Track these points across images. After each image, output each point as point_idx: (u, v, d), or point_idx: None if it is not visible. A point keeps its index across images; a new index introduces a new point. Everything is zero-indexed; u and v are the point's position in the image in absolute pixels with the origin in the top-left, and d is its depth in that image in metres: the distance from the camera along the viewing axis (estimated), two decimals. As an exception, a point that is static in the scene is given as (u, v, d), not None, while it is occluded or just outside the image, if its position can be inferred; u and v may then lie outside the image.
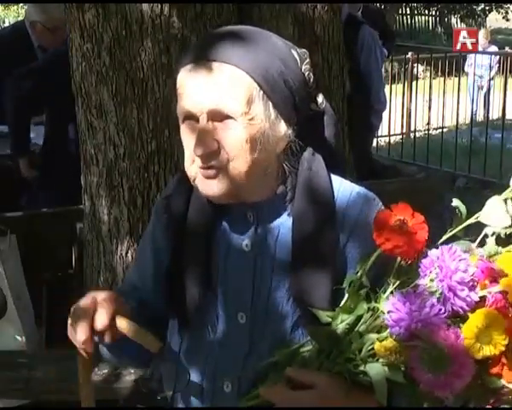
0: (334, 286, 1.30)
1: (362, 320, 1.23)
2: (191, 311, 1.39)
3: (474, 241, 1.25)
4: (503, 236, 1.23)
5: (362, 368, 1.19)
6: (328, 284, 1.31)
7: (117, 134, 2.67)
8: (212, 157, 1.30)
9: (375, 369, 1.18)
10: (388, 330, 1.16)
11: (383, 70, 8.81)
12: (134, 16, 2.56)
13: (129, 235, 2.70)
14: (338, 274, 1.33)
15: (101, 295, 1.30)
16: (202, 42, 1.35)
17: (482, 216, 1.24)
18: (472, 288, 1.15)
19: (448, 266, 1.14)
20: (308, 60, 1.38)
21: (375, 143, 8.02)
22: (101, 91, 2.65)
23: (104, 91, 2.65)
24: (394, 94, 8.95)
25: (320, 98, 1.42)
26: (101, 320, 1.28)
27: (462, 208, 1.26)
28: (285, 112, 1.33)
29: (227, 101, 1.28)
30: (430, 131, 8.53)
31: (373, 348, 1.19)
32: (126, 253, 2.72)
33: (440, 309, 1.14)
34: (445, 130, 8.32)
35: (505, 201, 1.24)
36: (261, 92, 1.30)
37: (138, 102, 2.62)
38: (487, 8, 20.41)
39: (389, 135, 8.65)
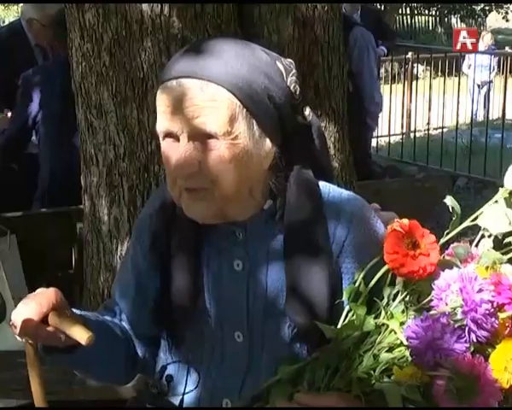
0: (333, 297, 1.29)
1: (369, 336, 1.21)
2: (181, 331, 1.38)
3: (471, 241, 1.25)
4: (499, 237, 1.22)
5: (376, 387, 1.17)
6: (325, 297, 1.29)
7: (117, 134, 2.66)
8: (194, 178, 1.27)
9: (391, 389, 1.15)
10: (408, 356, 1.15)
11: (383, 70, 8.84)
12: (134, 16, 2.56)
13: (129, 235, 2.69)
14: (335, 285, 1.31)
15: (41, 290, 1.29)
16: (182, 56, 1.29)
17: (481, 220, 1.23)
18: (494, 314, 1.13)
19: (473, 300, 1.12)
20: (294, 71, 1.33)
21: (374, 143, 8.04)
22: (101, 91, 2.65)
23: (104, 91, 2.64)
24: (394, 94, 8.95)
25: (307, 111, 1.37)
26: (31, 308, 1.26)
27: (457, 208, 1.25)
28: (269, 129, 1.29)
29: (208, 120, 1.23)
30: (430, 131, 8.53)
31: (387, 369, 1.17)
32: (126, 253, 2.72)
33: (461, 334, 1.12)
34: (445, 130, 8.32)
35: (499, 201, 1.23)
36: (244, 110, 1.25)
37: (138, 102, 2.61)
38: (487, 8, 20.41)
39: (389, 135, 8.64)
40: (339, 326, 1.24)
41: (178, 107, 1.24)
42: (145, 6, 2.55)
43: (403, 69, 9.44)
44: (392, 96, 8.86)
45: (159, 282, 1.40)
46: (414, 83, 8.91)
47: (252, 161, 1.28)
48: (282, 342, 1.34)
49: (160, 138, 1.31)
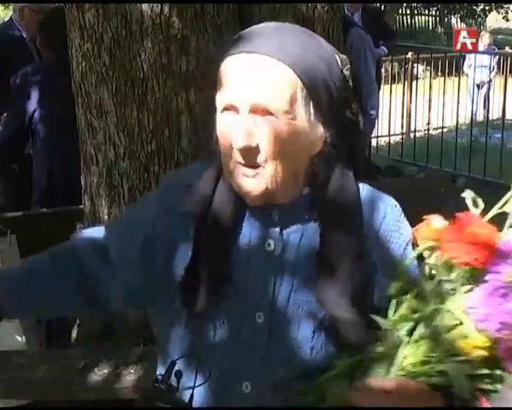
0: (360, 292, 1.31)
1: (425, 322, 1.24)
2: (203, 305, 1.36)
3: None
4: None
5: (439, 368, 1.21)
6: (353, 289, 1.31)
7: (117, 134, 2.67)
8: (251, 153, 1.28)
9: (454, 368, 1.19)
10: (474, 326, 1.18)
11: (383, 70, 8.84)
12: (134, 16, 2.56)
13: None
14: (364, 280, 1.33)
15: None
16: (251, 33, 1.32)
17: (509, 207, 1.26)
18: None
19: None
20: (349, 66, 1.36)
21: (374, 143, 8.04)
22: (101, 91, 2.65)
23: (104, 91, 2.65)
24: (394, 94, 8.96)
25: (354, 106, 1.39)
26: None
27: (479, 200, 1.28)
28: (323, 115, 1.32)
29: (272, 97, 1.26)
30: (430, 131, 8.53)
31: (449, 350, 1.20)
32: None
33: None
34: (445, 130, 8.31)
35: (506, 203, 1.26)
36: (305, 92, 1.28)
37: (138, 102, 2.62)
38: (487, 8, 20.39)
39: (389, 135, 8.65)
40: (392, 317, 1.27)
41: (244, 80, 1.27)
42: (145, 6, 2.55)
43: (403, 69, 9.45)
44: (392, 96, 8.87)
45: (177, 254, 1.40)
46: (414, 83, 8.92)
47: (305, 143, 1.31)
48: (306, 330, 1.34)
49: (219, 111, 1.32)
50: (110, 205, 2.74)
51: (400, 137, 8.80)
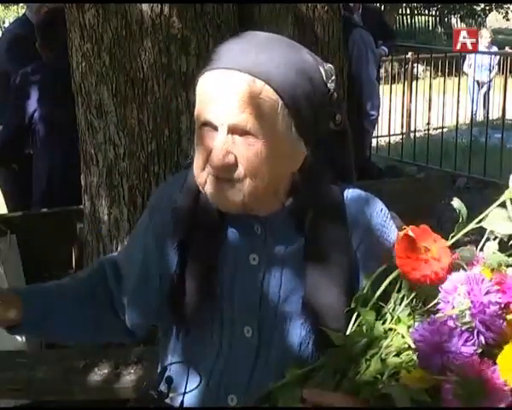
0: (348, 299, 1.29)
1: (377, 341, 1.21)
2: (190, 320, 1.37)
3: (473, 241, 1.25)
4: (505, 239, 1.22)
5: (384, 391, 1.16)
6: (342, 298, 1.30)
7: (117, 134, 2.67)
8: (229, 169, 1.26)
9: (399, 392, 1.14)
10: (416, 361, 1.14)
11: (383, 70, 8.84)
12: (134, 16, 2.56)
13: (129, 235, 2.70)
14: (352, 286, 1.32)
15: None
16: (232, 47, 1.29)
17: (486, 223, 1.22)
18: (501, 316, 1.12)
19: (481, 302, 1.11)
20: (334, 77, 1.34)
21: (374, 143, 8.04)
22: (101, 91, 2.65)
23: (104, 91, 2.65)
24: (394, 94, 8.96)
25: (338, 117, 1.38)
26: None
27: (463, 211, 1.24)
28: (306, 133, 1.30)
29: (251, 118, 1.23)
30: (430, 131, 8.53)
31: (395, 373, 1.16)
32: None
33: (468, 337, 1.11)
34: (444, 130, 8.31)
35: (505, 204, 1.22)
36: (286, 111, 1.26)
37: (138, 102, 2.62)
38: (487, 8, 20.39)
39: (389, 135, 8.65)
40: (348, 332, 1.24)
41: (223, 99, 1.24)
42: (145, 6, 2.55)
43: (403, 69, 9.44)
44: (392, 96, 8.87)
45: (169, 268, 1.40)
46: (414, 83, 8.91)
47: (286, 161, 1.30)
48: (293, 342, 1.34)
49: (197, 125, 1.30)
50: (110, 205, 2.74)
51: (400, 137, 8.80)
